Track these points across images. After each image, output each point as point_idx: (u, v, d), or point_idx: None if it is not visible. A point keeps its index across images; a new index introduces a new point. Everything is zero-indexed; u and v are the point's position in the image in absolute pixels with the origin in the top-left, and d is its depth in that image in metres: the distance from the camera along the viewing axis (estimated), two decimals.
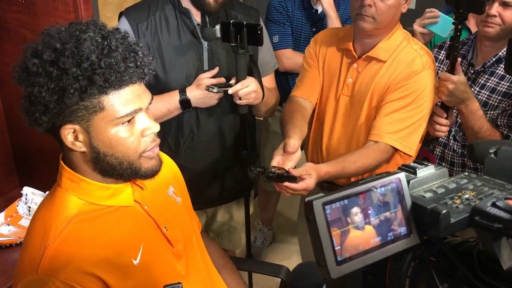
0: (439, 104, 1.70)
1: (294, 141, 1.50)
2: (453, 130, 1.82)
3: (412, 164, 0.62)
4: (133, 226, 1.12)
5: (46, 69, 0.96)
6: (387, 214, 0.54)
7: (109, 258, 1.05)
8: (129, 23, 1.67)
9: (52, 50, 0.97)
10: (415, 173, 0.60)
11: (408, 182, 0.58)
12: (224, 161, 1.88)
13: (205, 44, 1.71)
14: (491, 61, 1.76)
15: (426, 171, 0.61)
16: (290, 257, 2.73)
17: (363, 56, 1.67)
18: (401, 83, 1.62)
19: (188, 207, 1.38)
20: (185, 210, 1.34)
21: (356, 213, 0.52)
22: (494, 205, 0.52)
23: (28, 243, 1.07)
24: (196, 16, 1.71)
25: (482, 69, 1.78)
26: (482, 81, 1.77)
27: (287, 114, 1.70)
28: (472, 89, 1.76)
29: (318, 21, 2.33)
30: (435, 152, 1.90)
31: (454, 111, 1.73)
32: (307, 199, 0.51)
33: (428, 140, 1.90)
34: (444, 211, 0.53)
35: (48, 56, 0.96)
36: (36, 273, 1.00)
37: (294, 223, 2.72)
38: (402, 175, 0.56)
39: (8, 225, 1.78)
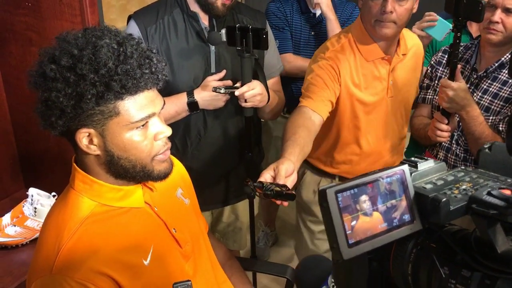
0: (440, 110, 1.74)
1: (287, 166, 1.29)
2: (456, 134, 1.84)
3: (413, 158, 0.67)
4: (143, 227, 1.15)
5: (64, 74, 0.98)
6: (393, 202, 0.59)
7: (121, 258, 1.07)
8: (138, 27, 1.69)
9: (69, 56, 0.99)
10: (416, 167, 0.65)
11: (410, 174, 0.63)
12: (230, 162, 1.91)
13: (212, 47, 1.73)
14: (494, 66, 1.77)
15: (426, 165, 0.66)
16: (292, 257, 2.73)
17: (396, 57, 1.75)
18: (420, 62, 1.90)
19: (195, 209, 1.40)
20: (192, 212, 1.36)
21: (364, 201, 0.57)
22: (489, 194, 0.58)
23: (42, 243, 1.10)
24: (204, 19, 1.74)
25: (484, 74, 1.79)
26: (485, 86, 1.78)
27: (291, 127, 1.54)
28: (475, 94, 1.78)
29: (317, 25, 2.37)
30: (438, 156, 1.92)
31: (457, 116, 1.75)
32: (321, 188, 0.55)
33: (432, 144, 1.94)
34: (444, 199, 0.58)
35: (66, 62, 0.98)
36: (50, 273, 1.02)
37: None
38: (406, 167, 0.62)
39: (14, 226, 1.79)
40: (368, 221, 0.57)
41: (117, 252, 1.07)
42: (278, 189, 1.18)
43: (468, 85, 1.80)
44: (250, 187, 1.25)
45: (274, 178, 1.27)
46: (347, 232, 0.55)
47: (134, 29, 1.69)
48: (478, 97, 1.79)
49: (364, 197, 0.57)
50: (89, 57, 0.98)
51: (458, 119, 1.76)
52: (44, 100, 1.01)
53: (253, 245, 2.04)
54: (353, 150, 1.86)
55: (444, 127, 1.71)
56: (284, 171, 1.27)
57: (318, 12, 2.36)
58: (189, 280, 1.00)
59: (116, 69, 0.99)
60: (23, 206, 1.85)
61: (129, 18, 1.76)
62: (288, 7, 2.37)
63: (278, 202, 1.21)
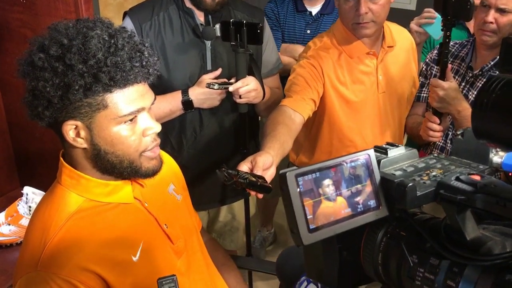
0: (432, 109, 1.72)
1: (265, 159, 1.28)
2: (450, 133, 1.82)
3: (383, 145, 0.66)
4: (132, 223, 1.14)
5: (52, 64, 0.97)
6: (358, 186, 0.58)
7: (108, 255, 1.06)
8: (132, 23, 1.68)
9: (58, 46, 0.98)
10: (386, 153, 0.63)
11: (379, 161, 0.62)
12: (226, 161, 1.87)
13: (208, 44, 1.72)
14: (489, 65, 1.76)
15: (396, 152, 0.64)
16: None
17: (383, 50, 1.72)
18: (413, 57, 1.84)
19: (188, 205, 1.39)
20: (185, 208, 1.35)
21: (328, 185, 0.56)
22: (457, 179, 0.56)
23: (28, 239, 1.09)
24: (200, 16, 1.73)
25: (480, 72, 1.78)
26: (480, 85, 1.77)
27: (270, 124, 1.50)
28: (470, 93, 1.77)
29: (313, 23, 2.38)
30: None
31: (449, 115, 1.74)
32: (281, 171, 0.54)
33: (426, 143, 1.92)
34: (411, 184, 0.56)
35: (55, 51, 0.97)
36: (35, 269, 1.01)
37: None
38: (371, 151, 0.60)
39: (9, 224, 1.80)
40: (331, 206, 0.56)
41: (104, 249, 1.06)
42: (253, 179, 1.15)
43: (463, 84, 1.78)
44: (223, 173, 1.21)
45: (252, 169, 1.25)
46: (308, 217, 0.54)
47: (129, 26, 1.68)
48: (473, 95, 1.77)
49: (327, 181, 0.56)
50: (78, 47, 0.97)
51: (451, 118, 1.75)
52: (31, 89, 1.01)
53: (249, 244, 2.03)
54: (350, 152, 1.82)
55: (436, 127, 1.69)
56: (261, 163, 1.25)
57: (314, 11, 2.37)
58: (174, 275, 0.99)
59: (105, 61, 0.98)
60: (18, 205, 1.85)
61: (125, 14, 1.75)
62: (282, 8, 2.39)
63: (253, 193, 1.20)
